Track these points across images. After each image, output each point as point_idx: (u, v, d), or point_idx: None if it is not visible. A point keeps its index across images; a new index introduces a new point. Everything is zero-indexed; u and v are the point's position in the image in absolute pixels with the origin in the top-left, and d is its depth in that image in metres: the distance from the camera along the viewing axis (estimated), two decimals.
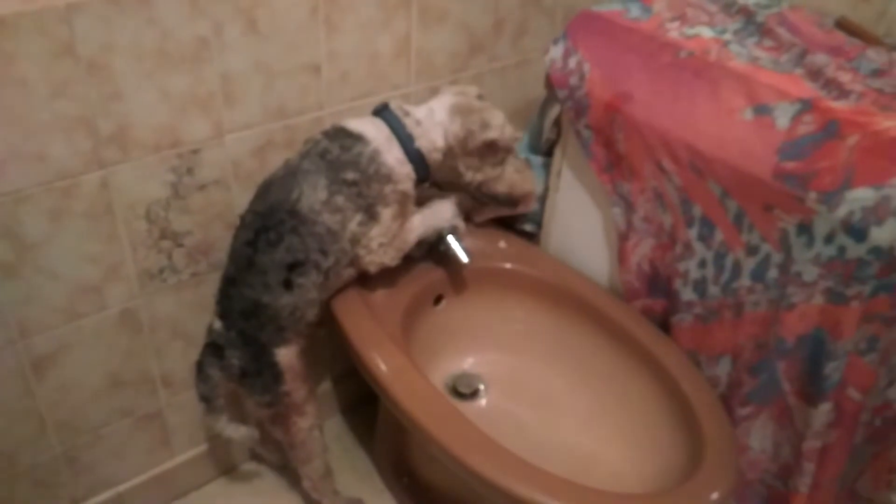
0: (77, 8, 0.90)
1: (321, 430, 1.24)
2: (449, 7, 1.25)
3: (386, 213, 1.08)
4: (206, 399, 1.13)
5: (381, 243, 1.09)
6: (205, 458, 1.39)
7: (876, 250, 0.87)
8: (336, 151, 1.05)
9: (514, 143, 1.18)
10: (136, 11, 0.94)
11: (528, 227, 1.39)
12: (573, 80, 1.14)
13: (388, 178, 1.07)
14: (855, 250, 0.88)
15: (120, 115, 0.99)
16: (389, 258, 1.12)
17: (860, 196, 0.87)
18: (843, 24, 1.14)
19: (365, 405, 1.52)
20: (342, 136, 1.07)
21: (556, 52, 1.16)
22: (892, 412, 1.18)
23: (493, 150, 1.16)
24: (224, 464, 1.42)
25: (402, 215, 1.12)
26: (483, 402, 1.29)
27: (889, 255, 0.87)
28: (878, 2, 1.14)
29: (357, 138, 1.07)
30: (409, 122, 1.11)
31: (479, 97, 1.19)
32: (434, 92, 1.25)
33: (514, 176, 1.21)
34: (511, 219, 1.37)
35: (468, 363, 1.33)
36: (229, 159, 1.13)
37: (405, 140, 1.09)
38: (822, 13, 1.17)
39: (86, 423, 1.19)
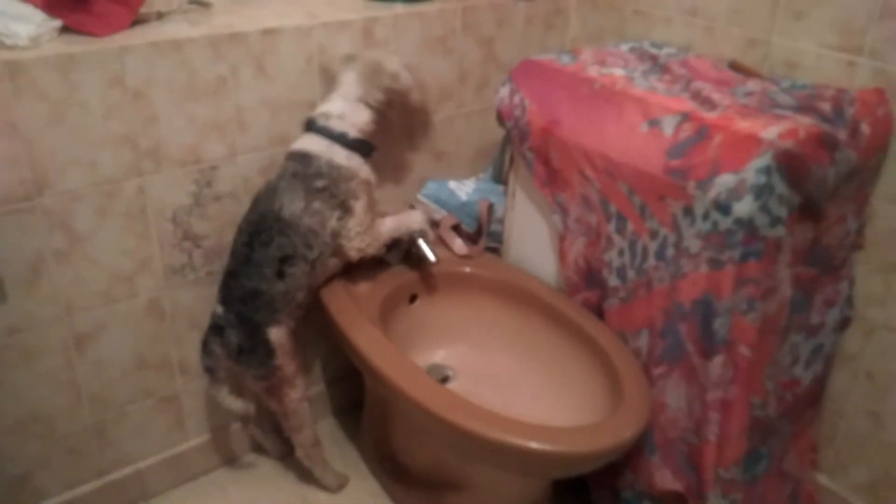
0: (128, 49, 1.20)
1: (309, 403, 1.45)
2: (419, 61, 1.54)
3: (358, 206, 1.33)
4: (209, 370, 1.34)
5: (357, 232, 1.34)
6: (214, 444, 1.59)
7: (739, 221, 1.11)
8: (302, 169, 1.30)
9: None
10: (172, 54, 1.24)
11: (493, 244, 1.64)
12: (517, 113, 1.42)
13: (348, 175, 1.32)
14: (724, 223, 1.12)
15: (156, 135, 1.27)
16: (366, 244, 1.36)
17: (724, 180, 1.11)
18: (734, 66, 1.42)
19: (354, 409, 1.73)
20: (298, 158, 1.31)
21: (504, 91, 1.45)
22: (801, 389, 1.40)
23: (409, 90, 1.40)
24: (230, 452, 1.63)
25: (372, 207, 1.37)
26: (451, 386, 1.50)
27: (749, 224, 1.10)
28: (763, 47, 1.42)
29: (308, 154, 1.30)
30: (334, 124, 1.32)
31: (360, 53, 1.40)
32: None
33: (418, 94, 1.44)
34: (478, 238, 1.62)
35: (439, 355, 1.56)
36: (241, 176, 1.40)
37: (340, 139, 1.31)
38: (720, 58, 1.45)
39: (115, 398, 1.42)
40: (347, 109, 1.34)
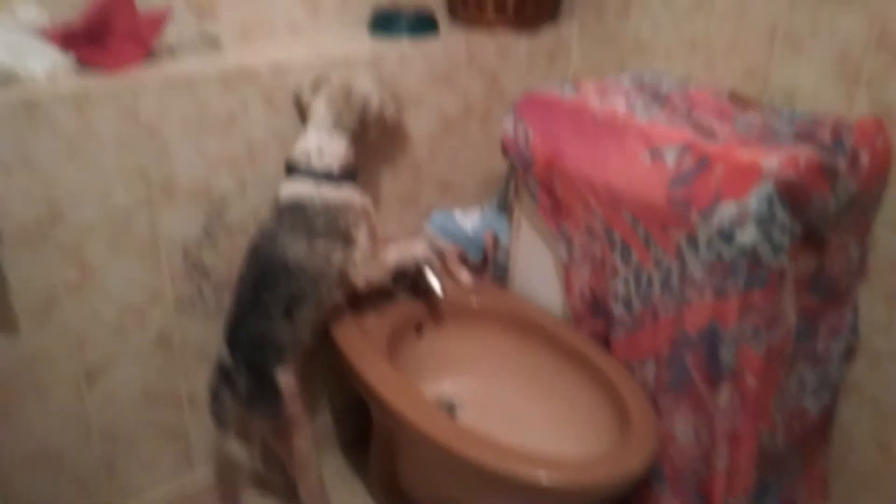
0: (141, 85, 1.23)
1: (315, 445, 1.44)
2: (425, 94, 1.57)
3: (360, 234, 1.34)
4: (219, 418, 1.34)
5: (363, 259, 1.35)
6: (220, 478, 1.59)
7: (742, 249, 1.12)
8: (299, 218, 1.29)
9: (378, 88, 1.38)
10: (184, 90, 1.27)
11: (498, 274, 1.65)
12: (521, 144, 1.44)
13: (344, 207, 1.32)
14: (727, 251, 1.14)
15: (168, 168, 1.30)
16: (374, 271, 1.38)
17: (727, 209, 1.13)
18: (733, 96, 1.44)
19: (360, 442, 1.72)
20: (293, 208, 1.30)
21: (508, 123, 1.47)
22: (809, 419, 1.39)
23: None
24: (236, 486, 1.62)
25: (374, 234, 1.38)
26: (459, 418, 1.50)
27: (752, 253, 1.12)
28: (761, 77, 1.44)
29: (301, 202, 1.30)
30: (315, 162, 1.31)
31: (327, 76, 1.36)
32: None
33: (388, 98, 1.40)
34: (484, 269, 1.64)
35: (446, 386, 1.56)
36: (250, 208, 1.42)
37: (325, 176, 1.31)
38: (719, 89, 1.48)
39: (124, 431, 1.43)
40: (324, 142, 1.33)
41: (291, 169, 1.34)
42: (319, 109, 1.34)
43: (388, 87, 1.41)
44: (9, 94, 1.13)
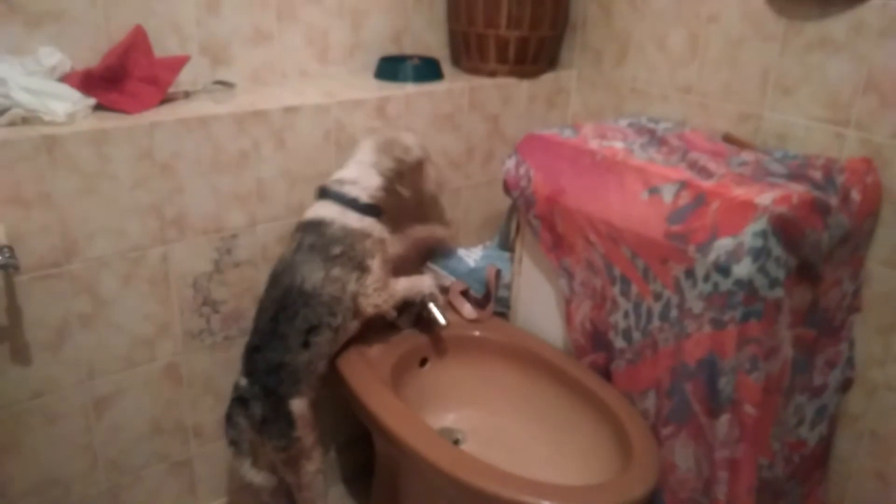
0: (157, 125, 1.27)
1: (324, 476, 1.46)
2: (429, 135, 1.63)
3: (375, 263, 1.38)
4: (234, 443, 1.35)
5: (375, 288, 1.38)
6: None
7: (739, 282, 1.16)
8: (317, 239, 1.34)
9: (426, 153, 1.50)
10: (198, 130, 1.32)
11: (500, 309, 1.68)
12: (523, 183, 1.49)
13: (363, 235, 1.36)
14: (724, 284, 1.17)
15: (181, 205, 1.34)
16: (382, 300, 1.41)
17: (723, 244, 1.17)
18: (727, 138, 1.50)
19: (363, 475, 1.74)
20: (313, 227, 1.35)
21: (510, 163, 1.52)
22: (807, 450, 1.42)
23: (420, 165, 1.48)
24: None
25: (387, 265, 1.42)
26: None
27: (749, 286, 1.15)
28: (755, 121, 1.50)
29: (321, 223, 1.35)
30: (347, 189, 1.38)
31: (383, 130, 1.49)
32: None
33: (433, 173, 1.53)
34: (486, 303, 1.67)
35: (450, 419, 1.58)
36: (259, 244, 1.46)
37: (352, 204, 1.37)
38: (714, 131, 1.53)
39: (129, 463, 1.44)
40: (360, 174, 1.40)
41: (322, 193, 1.39)
42: (365, 148, 1.43)
43: (434, 162, 1.52)
44: (30, 132, 1.18)
